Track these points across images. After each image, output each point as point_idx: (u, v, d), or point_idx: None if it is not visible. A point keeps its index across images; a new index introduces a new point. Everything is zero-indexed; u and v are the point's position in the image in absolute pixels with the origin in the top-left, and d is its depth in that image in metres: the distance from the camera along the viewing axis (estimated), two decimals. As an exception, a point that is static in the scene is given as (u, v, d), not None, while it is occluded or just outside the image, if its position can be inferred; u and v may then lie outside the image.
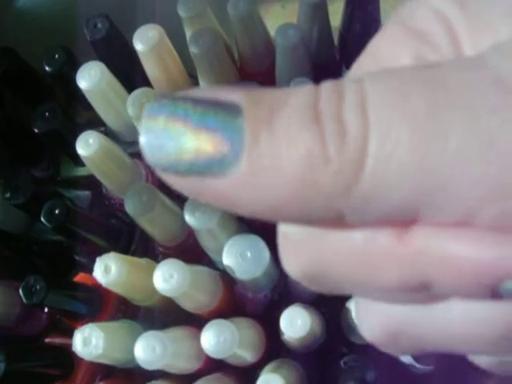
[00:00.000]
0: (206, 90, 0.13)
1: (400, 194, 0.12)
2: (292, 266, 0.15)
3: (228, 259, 0.34)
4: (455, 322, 0.14)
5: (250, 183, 0.12)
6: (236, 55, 0.43)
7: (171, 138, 0.12)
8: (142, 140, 0.13)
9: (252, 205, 0.13)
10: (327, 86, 0.12)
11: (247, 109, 0.12)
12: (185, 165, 0.12)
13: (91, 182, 0.44)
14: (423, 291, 0.13)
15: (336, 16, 0.45)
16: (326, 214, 0.13)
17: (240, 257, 0.34)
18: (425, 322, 0.14)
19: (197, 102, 0.12)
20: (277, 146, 0.12)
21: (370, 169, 0.12)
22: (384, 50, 0.15)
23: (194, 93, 0.13)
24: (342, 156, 0.12)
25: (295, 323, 0.33)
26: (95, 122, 0.43)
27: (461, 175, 0.11)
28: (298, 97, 0.12)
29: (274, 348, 0.38)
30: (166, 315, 0.40)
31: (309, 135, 0.12)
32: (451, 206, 0.12)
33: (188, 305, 0.36)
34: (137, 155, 0.43)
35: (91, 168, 0.39)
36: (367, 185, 0.12)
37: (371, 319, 0.16)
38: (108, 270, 0.34)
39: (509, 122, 0.11)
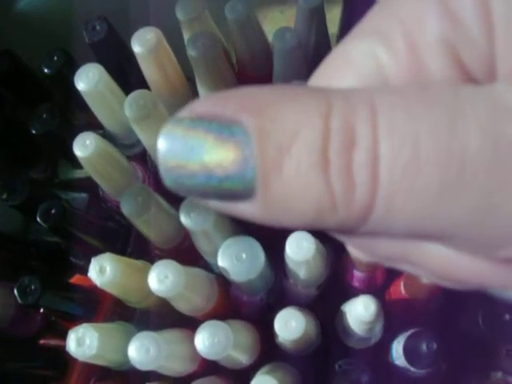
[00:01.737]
0: (208, 103, 0.13)
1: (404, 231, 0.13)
2: None
3: (223, 261, 0.34)
4: None
5: (267, 215, 0.13)
6: (234, 59, 0.44)
7: (190, 147, 0.12)
8: (161, 141, 0.13)
9: (272, 224, 0.13)
10: (337, 125, 0.12)
11: (256, 142, 0.12)
12: (200, 177, 0.13)
13: (88, 185, 0.44)
14: None
15: (334, 24, 0.46)
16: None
17: (235, 259, 0.34)
18: None
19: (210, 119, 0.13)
20: (287, 194, 0.12)
21: (374, 220, 0.12)
22: (409, 16, 0.14)
23: (200, 108, 0.13)
24: (349, 210, 0.12)
25: (289, 325, 0.33)
26: (93, 125, 0.43)
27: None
28: (306, 136, 0.12)
29: (269, 351, 0.38)
30: (162, 318, 0.40)
31: (317, 186, 0.12)
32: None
33: (183, 307, 0.36)
34: (134, 158, 0.43)
35: (88, 169, 0.39)
36: (372, 226, 0.13)
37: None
38: (103, 271, 0.34)
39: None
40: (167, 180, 0.13)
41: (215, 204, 0.13)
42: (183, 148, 0.12)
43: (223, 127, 0.12)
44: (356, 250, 0.17)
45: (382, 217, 0.12)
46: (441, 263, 0.14)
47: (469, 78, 0.14)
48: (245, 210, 0.13)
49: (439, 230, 0.12)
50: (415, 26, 0.14)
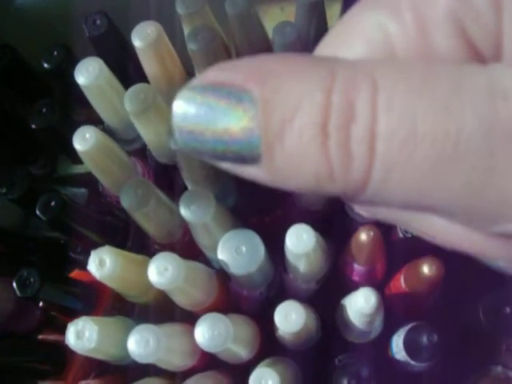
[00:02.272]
0: (219, 72, 0.13)
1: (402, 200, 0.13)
2: None
3: (223, 254, 0.34)
4: None
5: (272, 180, 0.14)
6: (234, 54, 0.44)
7: (202, 112, 0.13)
8: (176, 104, 0.14)
9: (279, 187, 0.14)
10: (338, 101, 0.13)
11: (261, 112, 0.13)
12: (210, 140, 0.13)
13: (88, 180, 0.44)
14: None
15: (334, 20, 0.46)
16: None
17: (235, 252, 0.34)
18: None
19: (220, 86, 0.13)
20: (290, 162, 0.13)
21: (372, 190, 0.13)
22: None
23: (212, 75, 0.13)
24: (346, 181, 0.13)
25: (289, 318, 0.33)
26: (93, 120, 0.43)
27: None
28: (308, 109, 0.13)
29: (269, 346, 0.38)
30: (161, 313, 0.40)
31: (316, 158, 0.13)
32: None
33: (182, 301, 0.36)
34: (134, 153, 0.43)
35: (87, 164, 0.39)
36: (370, 196, 0.13)
37: None
38: (102, 264, 0.34)
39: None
40: (180, 142, 0.14)
41: (226, 165, 0.14)
42: (195, 113, 0.13)
43: (233, 94, 0.13)
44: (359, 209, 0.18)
45: (378, 187, 0.13)
46: (439, 232, 0.15)
47: (475, 54, 0.14)
48: (252, 173, 0.14)
49: (433, 202, 0.13)
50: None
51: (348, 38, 0.15)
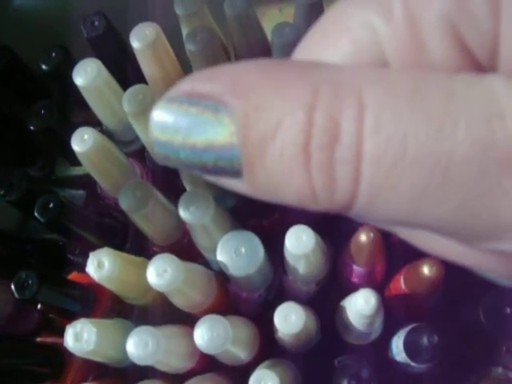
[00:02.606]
0: (196, 82, 0.13)
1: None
2: None
3: (222, 255, 0.34)
4: None
5: (255, 194, 0.13)
6: (232, 55, 0.44)
7: (178, 124, 0.13)
8: (153, 114, 0.13)
9: (264, 199, 0.14)
10: (320, 120, 0.12)
11: (241, 128, 0.12)
12: (186, 152, 0.13)
13: (86, 182, 0.44)
14: None
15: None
16: None
17: (234, 253, 0.34)
18: None
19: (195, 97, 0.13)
20: (271, 180, 0.13)
21: (358, 210, 0.13)
22: None
23: (188, 86, 0.13)
24: (329, 203, 0.13)
25: (289, 319, 0.33)
26: (91, 122, 0.43)
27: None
28: (289, 127, 0.12)
29: (268, 348, 0.38)
30: (160, 315, 0.40)
31: (298, 178, 0.12)
32: None
33: (181, 302, 0.36)
34: (132, 155, 0.43)
35: (86, 165, 0.39)
36: (357, 213, 0.13)
37: None
38: (101, 265, 0.34)
39: None
40: (157, 154, 0.13)
41: (208, 177, 0.13)
42: (173, 124, 0.13)
43: (211, 106, 0.12)
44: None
45: (364, 209, 0.13)
46: (434, 245, 0.15)
47: (469, 58, 0.13)
48: (235, 185, 0.13)
49: (421, 224, 0.13)
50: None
51: (334, 37, 0.14)
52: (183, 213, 0.34)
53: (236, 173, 0.13)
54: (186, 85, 0.13)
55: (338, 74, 0.12)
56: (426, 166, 0.12)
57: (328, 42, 0.14)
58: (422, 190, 0.12)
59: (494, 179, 0.11)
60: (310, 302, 0.38)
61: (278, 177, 0.12)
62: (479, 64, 0.13)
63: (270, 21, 0.50)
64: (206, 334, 0.32)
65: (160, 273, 0.32)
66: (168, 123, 0.13)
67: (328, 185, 0.12)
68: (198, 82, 0.13)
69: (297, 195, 0.13)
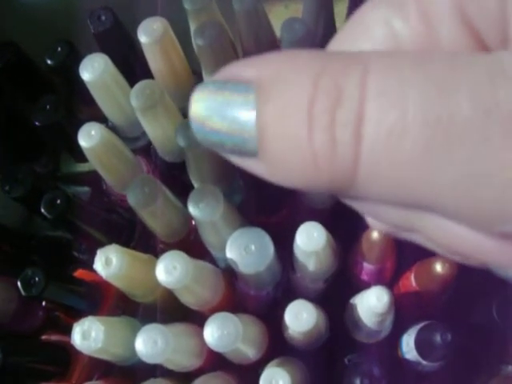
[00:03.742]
0: (232, 67, 0.14)
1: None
2: None
3: (231, 252, 0.34)
4: None
5: (272, 173, 0.13)
6: (240, 51, 0.43)
7: (211, 107, 0.13)
8: (193, 99, 0.14)
9: (280, 183, 0.14)
10: (325, 84, 0.12)
11: (257, 102, 0.13)
12: (215, 134, 0.13)
13: (91, 179, 0.43)
14: None
15: (340, 18, 0.45)
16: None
17: (244, 250, 0.34)
18: None
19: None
20: (283, 153, 0.13)
21: (361, 180, 0.12)
22: None
23: (226, 71, 0.14)
24: (331, 169, 0.12)
25: (300, 317, 0.32)
26: (97, 118, 0.43)
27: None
28: (296, 94, 0.12)
29: (277, 347, 0.37)
30: (167, 313, 0.39)
31: (302, 145, 0.13)
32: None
33: (190, 300, 0.36)
34: (138, 151, 0.43)
35: (92, 161, 0.38)
36: (361, 186, 0.13)
37: None
38: (109, 263, 0.33)
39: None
40: (198, 135, 0.14)
41: (235, 159, 0.14)
42: (206, 107, 0.13)
43: (239, 87, 0.13)
44: (369, 217, 0.17)
45: (367, 179, 0.12)
46: (443, 234, 0.14)
47: (482, 45, 0.14)
48: (255, 167, 0.14)
49: (426, 196, 0.12)
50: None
51: (357, 36, 0.15)
52: (193, 209, 0.33)
53: (253, 152, 0.13)
54: (223, 70, 0.14)
55: (349, 52, 0.13)
56: (427, 125, 0.11)
57: (349, 41, 0.15)
58: (424, 152, 0.11)
59: (499, 144, 0.11)
60: (318, 299, 0.37)
61: (285, 146, 0.13)
62: (490, 49, 0.14)
63: (275, 17, 0.49)
64: (216, 332, 0.32)
65: (169, 270, 0.32)
66: (206, 106, 0.13)
67: (329, 148, 0.12)
68: (233, 67, 0.14)
69: (301, 165, 0.13)
